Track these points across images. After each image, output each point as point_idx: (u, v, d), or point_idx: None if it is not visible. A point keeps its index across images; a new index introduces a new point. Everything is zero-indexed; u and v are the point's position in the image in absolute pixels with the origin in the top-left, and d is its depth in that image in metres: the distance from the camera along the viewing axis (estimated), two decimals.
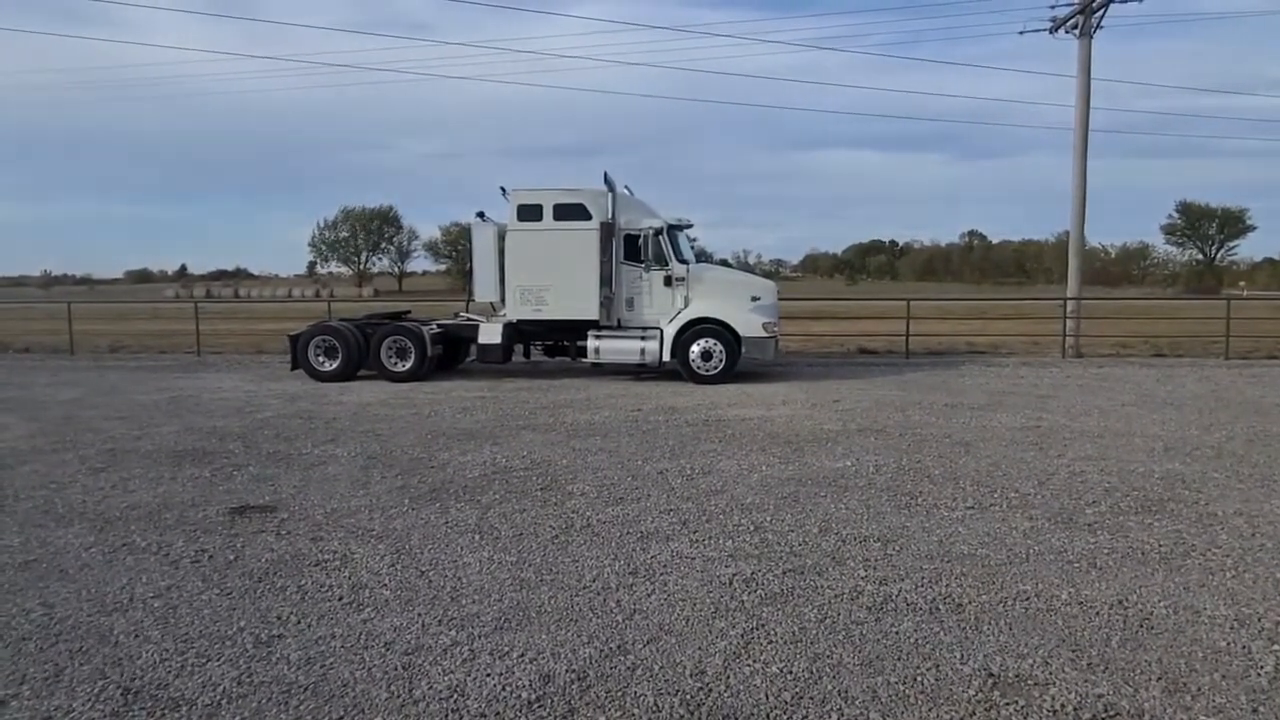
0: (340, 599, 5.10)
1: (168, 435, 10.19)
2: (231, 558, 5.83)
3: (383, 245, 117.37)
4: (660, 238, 15.00)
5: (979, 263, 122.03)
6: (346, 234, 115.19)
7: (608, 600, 5.04)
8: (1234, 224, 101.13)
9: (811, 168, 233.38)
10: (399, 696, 3.93)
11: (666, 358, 14.87)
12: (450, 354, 16.57)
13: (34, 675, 4.14)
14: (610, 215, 14.89)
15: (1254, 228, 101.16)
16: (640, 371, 15.69)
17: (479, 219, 16.16)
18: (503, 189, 15.55)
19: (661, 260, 15.01)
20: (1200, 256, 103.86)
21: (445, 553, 5.91)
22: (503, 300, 15.80)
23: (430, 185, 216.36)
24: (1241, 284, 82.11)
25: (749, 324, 14.84)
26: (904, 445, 9.37)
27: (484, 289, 16.07)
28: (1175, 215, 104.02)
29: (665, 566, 5.61)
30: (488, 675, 4.12)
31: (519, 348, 16.14)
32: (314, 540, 6.20)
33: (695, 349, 14.79)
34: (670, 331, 14.88)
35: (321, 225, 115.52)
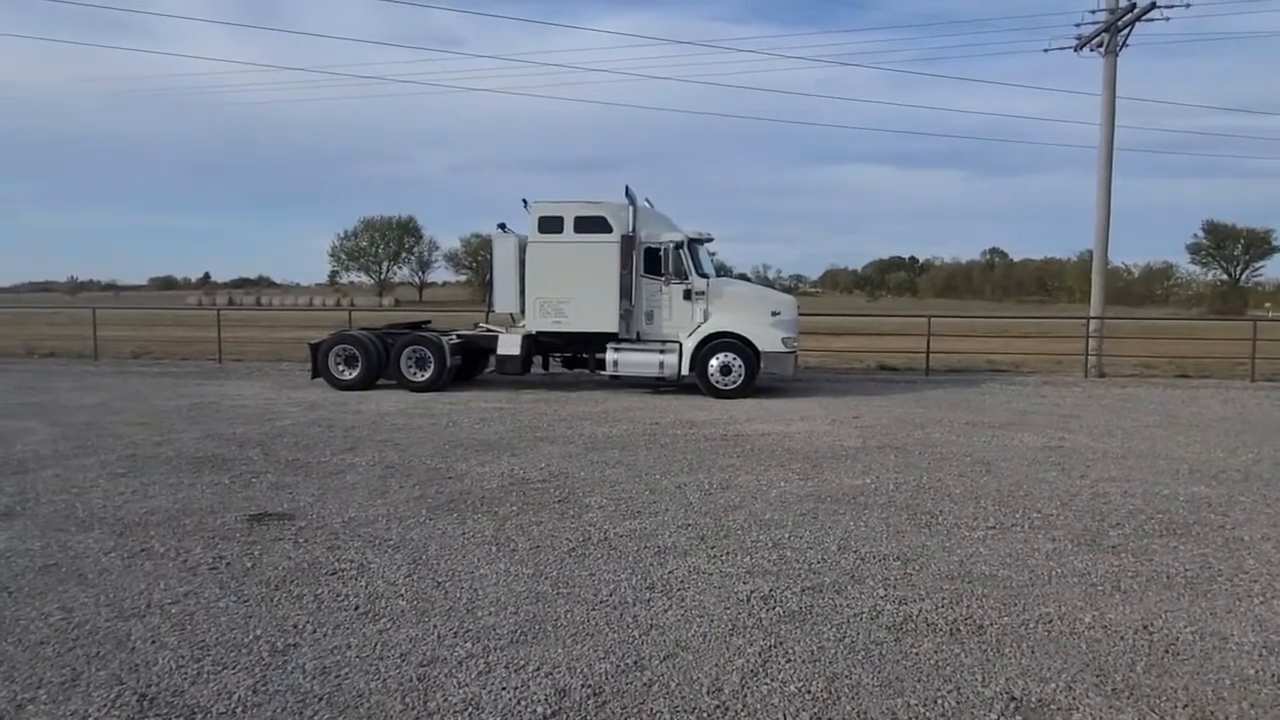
0: (356, 608, 5.09)
1: (188, 442, 10.26)
2: (249, 565, 5.84)
3: (403, 255, 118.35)
4: (680, 251, 15.01)
5: (1000, 280, 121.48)
6: (366, 243, 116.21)
7: (624, 615, 5.01)
8: (1260, 244, 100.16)
9: (833, 183, 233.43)
10: (414, 708, 3.91)
11: (685, 371, 14.83)
12: (469, 365, 16.61)
13: (51, 679, 4.16)
14: (631, 228, 14.91)
15: None
16: (659, 385, 15.66)
17: (500, 230, 16.22)
18: (524, 201, 15.63)
19: (681, 274, 15.01)
20: (1225, 277, 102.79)
21: (462, 564, 5.90)
22: (522, 312, 15.83)
23: (451, 197, 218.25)
24: (1267, 305, 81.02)
25: (768, 339, 14.80)
26: (924, 463, 9.28)
27: (504, 300, 16.12)
28: (1200, 235, 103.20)
29: (682, 582, 5.57)
30: (503, 688, 4.10)
31: (538, 359, 16.17)
32: (331, 549, 6.20)
33: (714, 363, 14.76)
34: (689, 345, 14.85)
35: (342, 235, 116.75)
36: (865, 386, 16.85)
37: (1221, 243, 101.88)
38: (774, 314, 15.09)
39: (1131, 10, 19.10)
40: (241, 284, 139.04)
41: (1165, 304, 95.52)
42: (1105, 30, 19.60)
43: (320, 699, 3.99)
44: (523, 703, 3.96)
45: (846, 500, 7.67)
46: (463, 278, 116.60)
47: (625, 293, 14.97)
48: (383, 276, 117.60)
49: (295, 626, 4.81)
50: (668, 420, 12.18)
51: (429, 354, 15.39)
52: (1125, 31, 19.48)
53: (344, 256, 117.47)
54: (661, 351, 14.94)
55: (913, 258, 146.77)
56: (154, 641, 4.59)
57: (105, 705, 3.91)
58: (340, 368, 15.57)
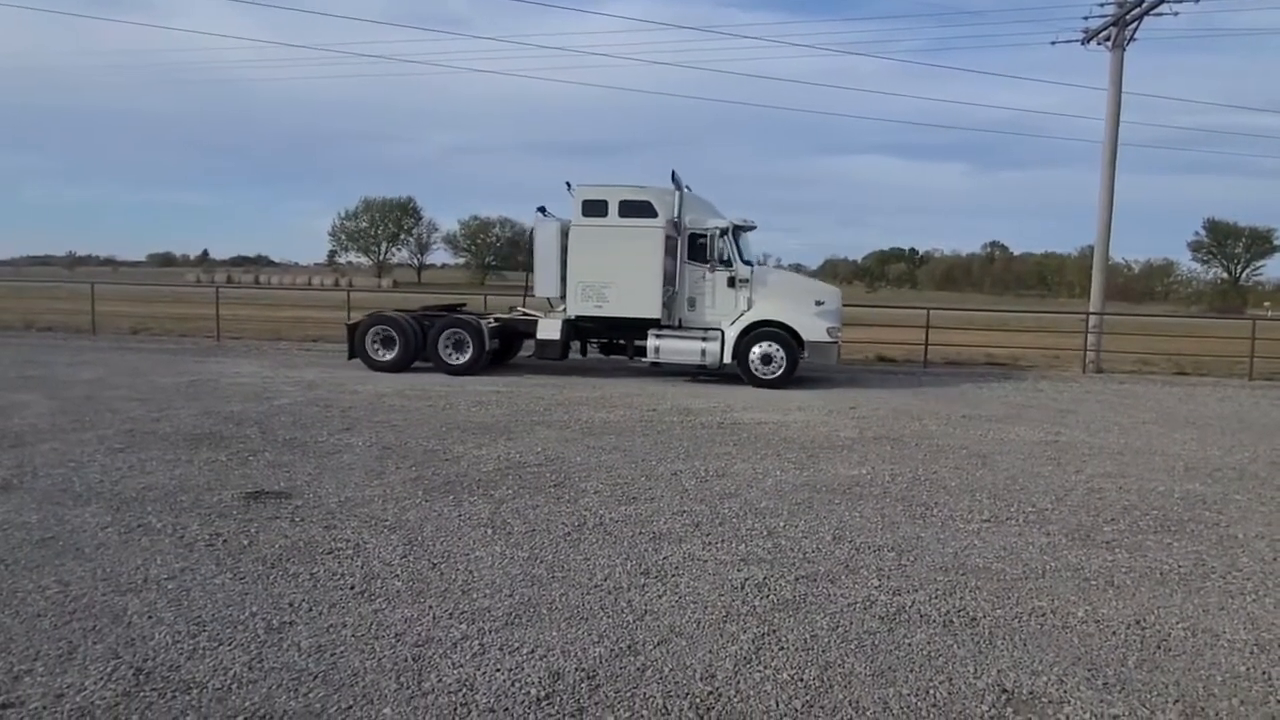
0: (352, 588, 5.11)
1: (186, 418, 10.26)
2: (245, 542, 5.86)
3: (402, 236, 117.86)
4: (725, 238, 14.92)
5: (1000, 274, 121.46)
6: (366, 224, 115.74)
7: (619, 600, 5.03)
8: (1261, 243, 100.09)
9: (835, 173, 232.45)
10: (408, 688, 3.93)
11: (727, 359, 14.73)
12: (505, 348, 16.58)
13: (48, 652, 4.17)
14: (676, 214, 14.79)
15: None
16: (698, 373, 15.52)
17: (541, 214, 16.06)
18: (568, 184, 15.44)
19: (726, 261, 14.92)
20: (1225, 275, 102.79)
21: (457, 546, 5.91)
22: (563, 296, 15.68)
23: (451, 178, 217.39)
24: (1267, 304, 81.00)
25: (813, 328, 14.70)
26: (920, 455, 9.30)
27: (545, 284, 15.92)
28: (1202, 232, 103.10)
29: (677, 568, 5.59)
30: (497, 670, 4.12)
31: (575, 345, 16.09)
32: (327, 528, 6.21)
33: (756, 352, 14.67)
34: (732, 333, 14.75)
35: (342, 215, 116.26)
36: (863, 377, 16.85)
37: (1222, 241, 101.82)
38: (818, 304, 14.98)
39: (1140, 4, 19.01)
40: (240, 262, 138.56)
41: (1165, 301, 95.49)
42: (1113, 24, 19.51)
43: (315, 677, 4.00)
44: (516, 684, 3.98)
45: (842, 490, 7.69)
46: (460, 260, 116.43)
47: (669, 279, 14.86)
48: (381, 258, 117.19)
49: (291, 604, 4.83)
50: (664, 407, 12.19)
51: (468, 337, 15.29)
52: (1133, 26, 19.39)
53: (344, 237, 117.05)
54: (704, 339, 14.81)
55: (912, 249, 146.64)
56: (150, 616, 4.61)
57: (101, 678, 3.93)
58: (377, 349, 15.51)
